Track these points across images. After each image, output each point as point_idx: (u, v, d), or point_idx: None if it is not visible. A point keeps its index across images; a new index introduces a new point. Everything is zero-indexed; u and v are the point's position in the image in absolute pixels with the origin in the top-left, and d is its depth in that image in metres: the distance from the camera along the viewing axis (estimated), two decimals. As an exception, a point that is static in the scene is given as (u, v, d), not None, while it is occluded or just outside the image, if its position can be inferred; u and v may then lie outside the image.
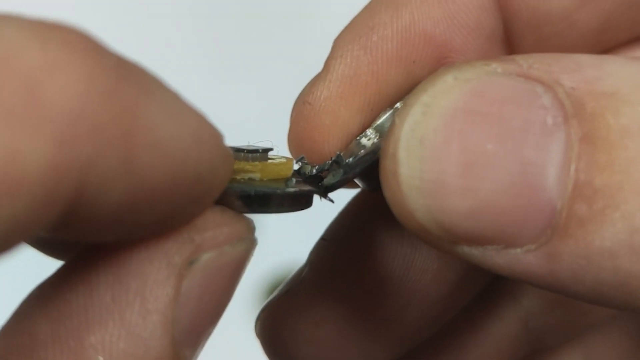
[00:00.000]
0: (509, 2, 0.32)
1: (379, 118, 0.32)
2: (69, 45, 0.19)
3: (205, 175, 0.23)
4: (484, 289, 0.36)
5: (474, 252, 0.23)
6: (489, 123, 0.22)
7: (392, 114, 0.31)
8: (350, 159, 0.29)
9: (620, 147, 0.21)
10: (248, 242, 0.25)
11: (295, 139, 0.31)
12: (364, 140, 0.31)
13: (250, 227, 0.26)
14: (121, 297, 0.22)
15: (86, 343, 0.22)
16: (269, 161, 0.29)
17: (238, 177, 0.28)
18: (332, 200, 0.29)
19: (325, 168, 0.30)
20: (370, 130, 0.31)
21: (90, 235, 0.22)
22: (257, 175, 0.28)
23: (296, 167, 0.31)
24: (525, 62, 0.23)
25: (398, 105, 0.31)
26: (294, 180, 0.29)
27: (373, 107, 0.31)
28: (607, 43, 0.33)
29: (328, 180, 0.29)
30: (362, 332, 0.33)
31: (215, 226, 0.24)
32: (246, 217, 0.26)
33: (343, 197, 0.33)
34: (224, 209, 0.25)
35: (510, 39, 0.33)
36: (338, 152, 0.30)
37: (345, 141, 0.31)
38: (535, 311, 0.37)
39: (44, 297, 0.23)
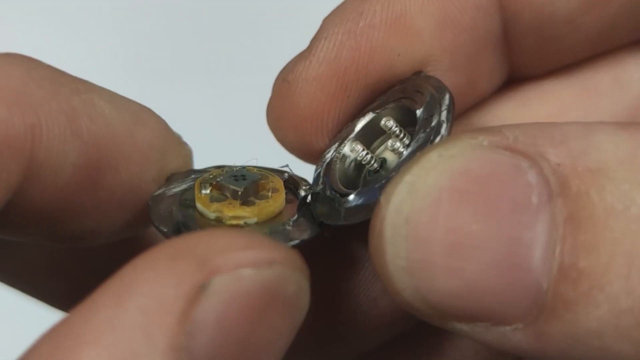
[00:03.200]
0: (512, 2, 0.31)
1: (354, 125, 0.31)
2: (12, 55, 0.27)
3: (152, 151, 0.29)
4: None
5: (464, 328, 0.23)
6: (473, 202, 0.22)
7: (369, 122, 0.31)
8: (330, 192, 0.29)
9: (605, 228, 0.21)
10: (281, 270, 0.22)
11: (272, 117, 0.31)
12: (345, 149, 0.31)
13: (285, 254, 0.23)
14: (120, 319, 0.21)
15: None
16: (262, 201, 0.29)
17: (235, 223, 0.28)
18: (333, 236, 0.29)
19: (316, 190, 0.30)
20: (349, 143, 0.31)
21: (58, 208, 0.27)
22: (253, 220, 0.28)
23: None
24: (512, 133, 0.22)
25: (371, 113, 0.31)
26: (290, 221, 0.29)
27: (350, 94, 0.30)
28: (609, 45, 0.32)
29: (321, 215, 0.29)
30: (330, 320, 0.33)
31: (235, 248, 0.22)
32: (287, 247, 0.24)
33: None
34: (253, 232, 0.25)
35: (509, 40, 0.32)
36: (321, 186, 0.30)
37: (319, 125, 0.30)
38: None
39: (57, 324, 0.22)
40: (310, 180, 0.32)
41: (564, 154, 0.22)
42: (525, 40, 0.32)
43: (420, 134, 0.28)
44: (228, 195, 0.29)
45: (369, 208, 0.27)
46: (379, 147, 0.31)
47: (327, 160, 0.31)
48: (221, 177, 0.29)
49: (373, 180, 0.30)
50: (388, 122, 0.29)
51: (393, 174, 0.27)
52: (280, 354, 0.23)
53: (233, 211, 0.28)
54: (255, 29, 0.74)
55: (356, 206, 0.28)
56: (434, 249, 0.22)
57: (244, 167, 0.30)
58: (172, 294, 0.21)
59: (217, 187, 0.29)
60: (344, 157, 0.31)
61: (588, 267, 0.21)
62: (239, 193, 0.29)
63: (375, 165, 0.30)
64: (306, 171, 0.33)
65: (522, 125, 0.23)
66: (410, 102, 0.30)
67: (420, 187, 0.22)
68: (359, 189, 0.29)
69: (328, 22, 0.31)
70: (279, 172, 0.31)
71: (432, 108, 0.28)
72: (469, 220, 0.22)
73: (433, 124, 0.28)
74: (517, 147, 0.22)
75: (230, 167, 0.30)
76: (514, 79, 0.34)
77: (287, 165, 0.32)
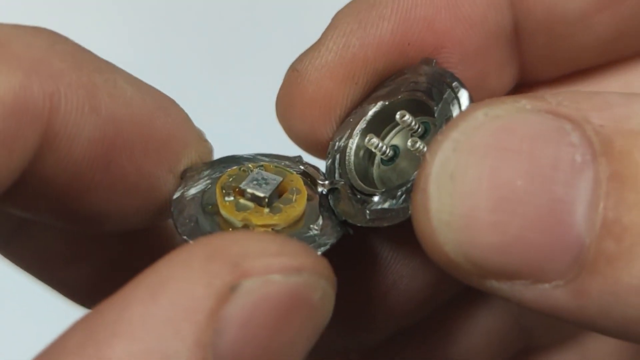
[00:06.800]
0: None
1: (364, 112, 0.31)
2: (38, 29, 0.27)
3: (171, 141, 0.29)
4: None
5: (503, 287, 0.23)
6: (519, 160, 0.22)
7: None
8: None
9: None
10: (309, 277, 0.23)
11: (280, 106, 0.32)
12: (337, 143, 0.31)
13: (314, 262, 0.24)
14: (152, 313, 0.21)
15: (105, 354, 0.21)
16: (287, 206, 0.29)
17: (263, 230, 0.28)
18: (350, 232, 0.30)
19: (334, 184, 0.31)
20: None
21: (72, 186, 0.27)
22: (280, 226, 0.28)
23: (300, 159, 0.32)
24: (554, 99, 0.23)
25: (381, 102, 0.31)
26: (316, 225, 0.29)
27: (358, 81, 0.31)
28: (622, 51, 0.33)
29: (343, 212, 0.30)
30: (348, 311, 0.33)
31: (267, 254, 0.23)
32: (316, 255, 0.24)
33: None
34: (289, 239, 0.25)
35: (520, 37, 0.33)
36: (341, 181, 0.30)
37: (326, 112, 0.31)
38: None
39: (90, 313, 0.23)
40: (323, 169, 0.32)
41: (607, 117, 0.22)
42: (536, 39, 0.32)
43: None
44: (253, 201, 0.29)
45: (394, 212, 0.28)
46: (388, 133, 0.32)
47: (339, 148, 0.31)
48: (243, 183, 0.29)
49: (396, 184, 0.30)
50: (405, 117, 0.30)
51: (414, 177, 0.27)
52: (302, 357, 0.24)
53: (261, 220, 0.28)
54: (268, 24, 0.74)
55: (382, 209, 0.29)
56: (478, 204, 0.22)
57: (260, 166, 0.30)
58: (203, 293, 0.22)
59: (241, 192, 0.29)
60: (358, 147, 0.31)
61: (631, 223, 0.21)
62: (265, 200, 0.29)
63: (390, 153, 0.31)
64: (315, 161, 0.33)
65: (564, 92, 0.23)
66: (425, 97, 0.30)
67: (467, 144, 0.23)
68: (383, 191, 0.29)
69: (340, 14, 0.31)
70: (292, 162, 0.31)
71: (450, 106, 0.29)
72: (514, 177, 0.22)
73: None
74: (560, 111, 0.23)
75: (246, 165, 0.30)
76: (525, 83, 0.34)
77: (300, 157, 0.32)
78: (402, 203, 0.28)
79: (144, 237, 0.35)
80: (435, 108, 0.29)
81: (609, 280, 0.22)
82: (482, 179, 0.22)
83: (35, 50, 0.26)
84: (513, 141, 0.22)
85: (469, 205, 0.22)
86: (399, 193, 0.28)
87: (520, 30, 0.32)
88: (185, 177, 0.30)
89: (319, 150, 0.32)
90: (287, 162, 0.31)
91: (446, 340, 0.36)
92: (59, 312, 0.36)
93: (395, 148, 0.31)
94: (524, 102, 0.23)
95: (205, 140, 0.32)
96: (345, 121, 0.32)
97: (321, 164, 0.32)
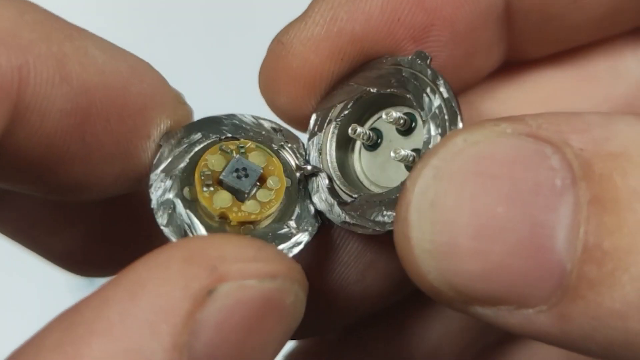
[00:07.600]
0: None
1: (348, 93, 0.30)
2: None
3: (147, 106, 0.28)
4: None
5: (487, 312, 0.23)
6: (499, 185, 0.22)
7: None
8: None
9: (629, 210, 0.22)
10: (282, 282, 0.24)
11: (263, 78, 0.31)
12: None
13: (288, 267, 0.24)
14: (130, 313, 0.22)
15: (84, 352, 0.21)
16: (265, 202, 0.29)
17: (242, 229, 0.28)
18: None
19: (313, 171, 0.30)
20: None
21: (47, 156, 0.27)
22: (257, 222, 0.29)
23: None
24: (535, 122, 0.23)
25: (370, 90, 0.30)
26: (292, 219, 0.29)
27: (344, 57, 0.30)
28: (610, 30, 0.33)
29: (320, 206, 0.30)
30: (324, 292, 0.33)
31: (243, 259, 0.24)
32: (290, 260, 0.25)
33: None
34: (265, 244, 0.26)
35: (511, 17, 0.32)
36: (326, 173, 0.30)
37: (310, 88, 0.30)
38: None
39: (68, 310, 0.23)
40: (304, 140, 0.32)
41: (586, 140, 0.22)
42: (528, 18, 0.32)
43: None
44: (232, 193, 0.29)
45: (370, 223, 0.28)
46: (370, 117, 0.31)
47: (321, 126, 0.31)
48: (223, 173, 0.29)
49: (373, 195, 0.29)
50: (391, 114, 0.29)
51: (395, 195, 0.27)
52: (274, 356, 0.25)
53: (238, 217, 0.28)
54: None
55: (357, 216, 0.29)
56: (459, 231, 0.22)
57: (242, 149, 0.30)
58: (181, 295, 0.22)
59: (220, 181, 0.29)
60: (340, 134, 0.31)
61: (612, 248, 0.21)
62: (245, 195, 0.29)
63: (374, 138, 0.31)
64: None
65: (545, 114, 0.23)
66: (415, 100, 0.29)
67: (446, 171, 0.22)
68: (360, 196, 0.29)
69: None
70: (272, 133, 0.31)
71: (441, 122, 0.28)
72: (494, 203, 0.22)
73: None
74: (540, 134, 0.23)
75: (226, 146, 0.30)
76: (513, 62, 0.34)
77: (280, 130, 0.31)
78: (377, 217, 0.28)
79: (127, 201, 0.34)
80: (410, 96, 0.29)
81: (592, 305, 0.22)
82: (462, 206, 0.22)
83: (4, 20, 0.25)
84: (493, 166, 0.22)
85: (450, 233, 0.22)
86: (376, 206, 0.28)
87: (512, 9, 0.32)
88: (164, 143, 0.30)
89: (301, 123, 0.32)
90: (267, 134, 0.31)
91: (421, 325, 0.37)
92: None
93: (378, 132, 0.31)
94: (504, 126, 0.23)
95: (184, 103, 0.31)
96: (329, 95, 0.31)
97: (303, 137, 0.32)
